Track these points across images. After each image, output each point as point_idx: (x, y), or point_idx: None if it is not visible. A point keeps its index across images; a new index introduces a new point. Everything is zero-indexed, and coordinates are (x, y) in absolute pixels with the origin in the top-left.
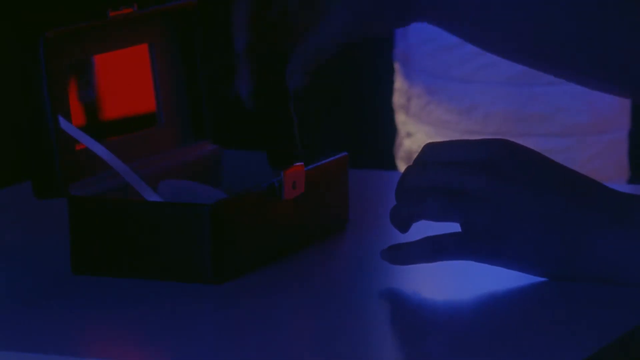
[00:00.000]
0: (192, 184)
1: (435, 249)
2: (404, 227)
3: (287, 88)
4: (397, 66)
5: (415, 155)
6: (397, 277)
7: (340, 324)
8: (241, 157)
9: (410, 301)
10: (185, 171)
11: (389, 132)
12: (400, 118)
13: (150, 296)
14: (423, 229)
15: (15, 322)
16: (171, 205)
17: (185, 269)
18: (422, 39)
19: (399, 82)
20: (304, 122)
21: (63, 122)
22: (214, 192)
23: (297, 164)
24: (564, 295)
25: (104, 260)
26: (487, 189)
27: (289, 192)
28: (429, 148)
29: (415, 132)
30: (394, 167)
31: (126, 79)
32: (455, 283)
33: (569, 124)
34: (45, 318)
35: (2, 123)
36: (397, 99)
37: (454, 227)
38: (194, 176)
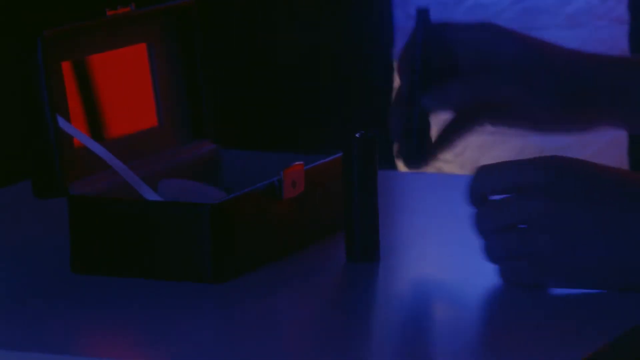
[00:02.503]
0: (192, 184)
1: (510, 277)
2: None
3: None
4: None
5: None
6: (397, 277)
7: (340, 324)
8: (241, 157)
9: (410, 301)
10: (185, 171)
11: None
12: None
13: (150, 296)
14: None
15: (15, 321)
16: (171, 205)
17: (185, 268)
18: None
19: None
20: (304, 122)
21: (62, 122)
22: (214, 191)
23: (297, 163)
24: (564, 295)
25: (104, 260)
26: (546, 213)
27: (288, 191)
28: (483, 175)
29: None
30: (394, 167)
31: (125, 79)
32: (456, 284)
33: None
34: (45, 318)
35: (2, 123)
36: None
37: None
38: (194, 176)
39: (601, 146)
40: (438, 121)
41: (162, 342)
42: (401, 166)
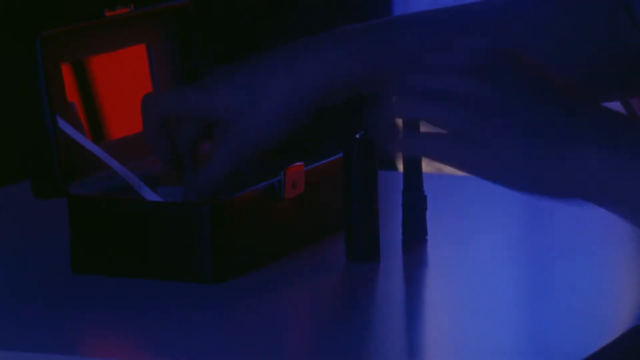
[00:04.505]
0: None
1: (423, 145)
2: (390, 124)
3: None
4: None
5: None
6: (397, 277)
7: (340, 324)
8: None
9: (409, 301)
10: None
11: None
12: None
13: (150, 296)
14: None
15: (15, 321)
16: (171, 205)
17: (185, 269)
18: None
19: None
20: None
21: (61, 123)
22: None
23: (297, 163)
24: (564, 295)
25: (104, 260)
26: (476, 94)
27: (288, 191)
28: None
29: None
30: (394, 167)
31: (125, 79)
32: (454, 282)
33: None
34: (45, 318)
35: (2, 123)
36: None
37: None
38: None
39: None
40: None
41: (162, 342)
42: (401, 166)
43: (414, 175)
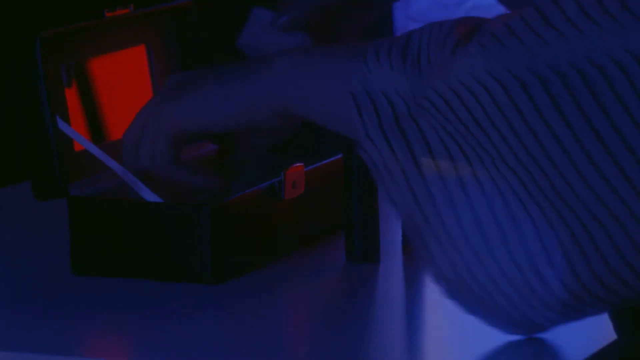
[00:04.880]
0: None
1: None
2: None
3: None
4: None
5: None
6: (397, 277)
7: (340, 324)
8: None
9: (409, 301)
10: None
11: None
12: None
13: (150, 296)
14: None
15: (15, 322)
16: (171, 205)
17: (185, 269)
18: None
19: None
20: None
21: (61, 123)
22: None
23: (297, 164)
24: None
25: (104, 261)
26: None
27: (289, 192)
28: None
29: None
30: None
31: (125, 80)
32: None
33: None
34: (45, 318)
35: (1, 123)
36: None
37: None
38: None
39: None
40: None
41: (162, 342)
42: None
43: None
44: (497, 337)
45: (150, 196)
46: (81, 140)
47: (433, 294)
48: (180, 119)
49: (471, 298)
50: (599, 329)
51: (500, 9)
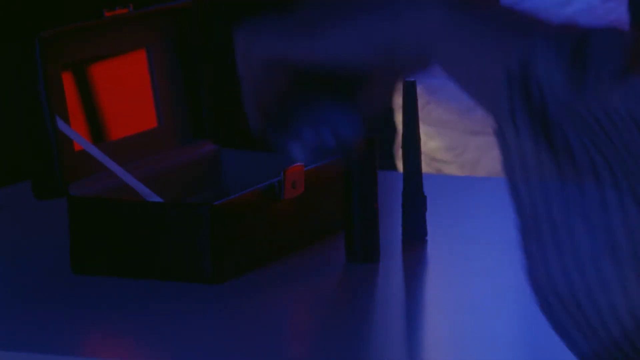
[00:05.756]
0: None
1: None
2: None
3: None
4: None
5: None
6: (396, 277)
7: (340, 324)
8: (241, 157)
9: (409, 301)
10: (185, 171)
11: (389, 132)
12: (400, 118)
13: (150, 296)
14: None
15: (15, 322)
16: (171, 205)
17: (185, 268)
18: None
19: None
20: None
21: (61, 123)
22: None
23: (297, 164)
24: None
25: (104, 260)
26: None
27: (288, 192)
28: None
29: None
30: (394, 167)
31: (125, 80)
32: (454, 282)
33: None
34: (45, 318)
35: (2, 123)
36: (397, 99)
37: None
38: (194, 176)
39: None
40: None
41: (162, 342)
42: (401, 166)
43: (414, 175)
44: (497, 338)
45: (149, 196)
46: (81, 140)
47: (433, 294)
48: (315, 45)
49: (574, 321)
50: None
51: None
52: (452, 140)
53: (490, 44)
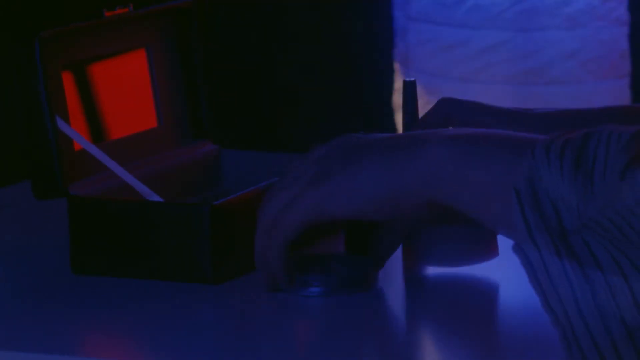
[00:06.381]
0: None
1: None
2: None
3: None
4: (397, 66)
5: None
6: (395, 277)
7: (340, 324)
8: (241, 157)
9: (409, 301)
10: (185, 171)
11: (389, 132)
12: (400, 118)
13: (150, 296)
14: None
15: (15, 322)
16: (171, 205)
17: (185, 269)
18: (422, 40)
19: (399, 82)
20: (304, 122)
21: (61, 123)
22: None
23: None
24: None
25: (104, 260)
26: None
27: None
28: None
29: None
30: None
31: (125, 80)
32: (455, 283)
33: None
34: (45, 318)
35: (1, 123)
36: (397, 99)
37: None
38: (194, 176)
39: None
40: None
41: (162, 342)
42: None
43: None
44: (496, 338)
45: (149, 196)
46: (81, 140)
47: (433, 294)
48: (321, 204)
49: None
50: None
51: (500, 6)
52: None
53: (493, 164)
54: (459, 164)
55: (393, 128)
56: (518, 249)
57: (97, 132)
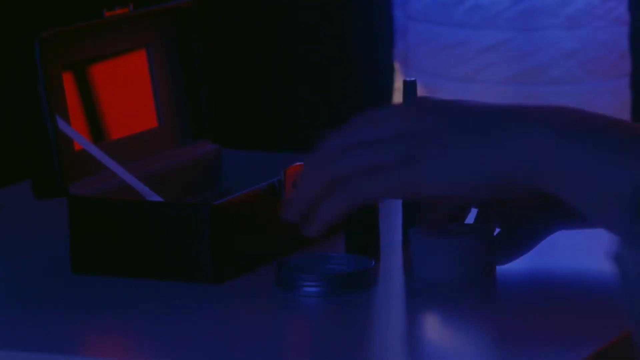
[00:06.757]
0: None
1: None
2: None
3: None
4: (397, 66)
5: None
6: (395, 276)
7: (340, 324)
8: (241, 157)
9: (409, 301)
10: (185, 171)
11: None
12: None
13: (150, 296)
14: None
15: (15, 322)
16: (171, 205)
17: (185, 268)
18: (422, 39)
19: (399, 82)
20: (304, 122)
21: (61, 123)
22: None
23: (297, 163)
24: (565, 293)
25: (104, 260)
26: (409, 130)
27: (289, 191)
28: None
29: None
30: None
31: (125, 80)
32: (454, 286)
33: None
34: (45, 318)
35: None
36: (397, 99)
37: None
38: (194, 176)
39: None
40: None
41: (162, 342)
42: None
43: None
44: (496, 338)
45: (150, 196)
46: (81, 140)
47: (433, 294)
48: (416, 183)
49: None
50: (600, 329)
51: (500, 6)
52: None
53: (600, 163)
54: (565, 155)
55: None
56: (613, 255)
57: (97, 132)
